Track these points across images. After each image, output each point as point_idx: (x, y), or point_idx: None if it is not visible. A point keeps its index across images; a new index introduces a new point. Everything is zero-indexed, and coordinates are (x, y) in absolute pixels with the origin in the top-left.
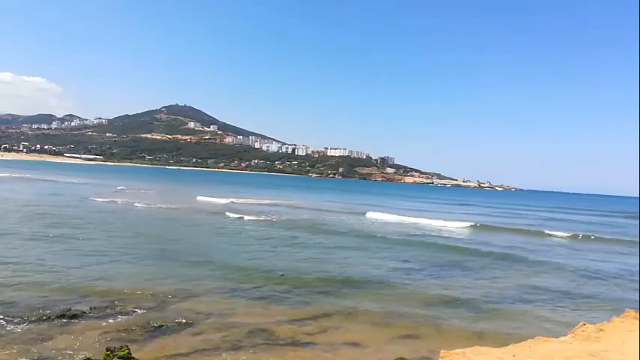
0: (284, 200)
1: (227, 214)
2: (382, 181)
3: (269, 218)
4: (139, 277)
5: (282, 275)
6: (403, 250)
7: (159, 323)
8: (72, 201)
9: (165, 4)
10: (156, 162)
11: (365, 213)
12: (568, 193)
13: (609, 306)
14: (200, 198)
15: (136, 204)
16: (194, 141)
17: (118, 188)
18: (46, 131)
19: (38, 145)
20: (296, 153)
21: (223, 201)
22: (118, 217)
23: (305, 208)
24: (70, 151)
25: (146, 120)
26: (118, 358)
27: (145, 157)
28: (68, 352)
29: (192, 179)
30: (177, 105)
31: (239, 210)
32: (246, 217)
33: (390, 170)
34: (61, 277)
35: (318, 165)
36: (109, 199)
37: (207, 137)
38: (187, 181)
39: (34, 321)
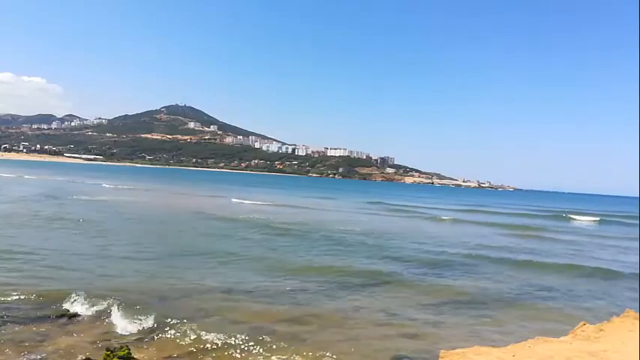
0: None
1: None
2: (382, 181)
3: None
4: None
5: None
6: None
7: (158, 322)
8: None
9: (166, 4)
10: (156, 162)
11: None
12: (564, 193)
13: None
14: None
15: None
16: (194, 141)
17: None
18: (46, 131)
19: (38, 145)
20: (296, 153)
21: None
22: None
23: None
24: (70, 151)
25: (146, 120)
26: (118, 358)
27: (145, 157)
28: (68, 352)
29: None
30: (177, 105)
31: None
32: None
33: (390, 170)
34: (60, 276)
35: (318, 165)
36: None
37: (207, 137)
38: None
39: (34, 321)
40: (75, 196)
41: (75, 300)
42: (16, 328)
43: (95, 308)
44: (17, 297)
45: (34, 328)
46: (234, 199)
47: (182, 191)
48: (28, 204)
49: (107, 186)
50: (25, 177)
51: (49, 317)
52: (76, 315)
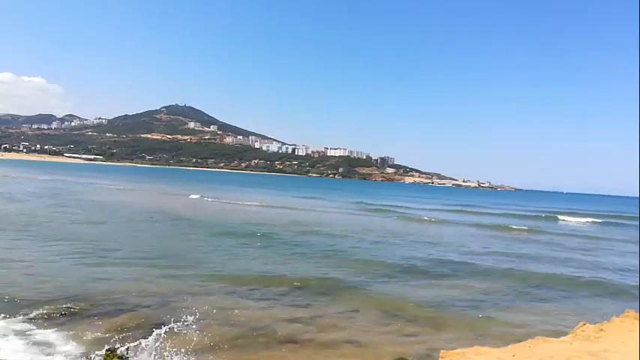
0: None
1: None
2: (382, 181)
3: None
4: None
5: None
6: None
7: (158, 322)
8: None
9: (166, 4)
10: (156, 162)
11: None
12: (564, 194)
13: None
14: None
15: None
16: (194, 141)
17: None
18: (46, 131)
19: (38, 145)
20: (296, 153)
21: None
22: None
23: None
24: (70, 151)
25: (146, 120)
26: (118, 358)
27: (145, 157)
28: (68, 352)
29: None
30: (177, 105)
31: None
32: None
33: (390, 170)
34: (60, 276)
35: (318, 165)
36: None
37: (207, 137)
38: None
39: (34, 321)
40: (53, 195)
41: (75, 299)
42: (16, 328)
43: (95, 308)
44: (17, 296)
45: (34, 328)
46: (210, 199)
47: (172, 191)
48: None
49: (93, 185)
50: (13, 176)
51: (49, 317)
52: (75, 314)
